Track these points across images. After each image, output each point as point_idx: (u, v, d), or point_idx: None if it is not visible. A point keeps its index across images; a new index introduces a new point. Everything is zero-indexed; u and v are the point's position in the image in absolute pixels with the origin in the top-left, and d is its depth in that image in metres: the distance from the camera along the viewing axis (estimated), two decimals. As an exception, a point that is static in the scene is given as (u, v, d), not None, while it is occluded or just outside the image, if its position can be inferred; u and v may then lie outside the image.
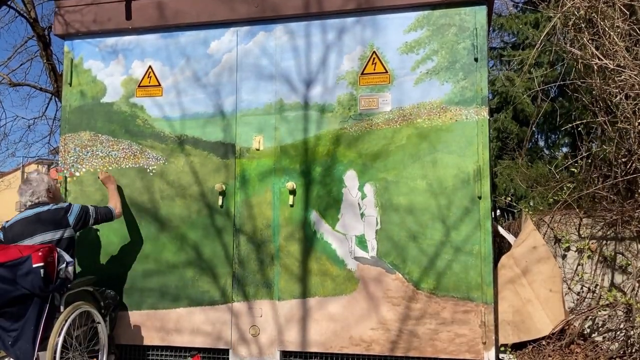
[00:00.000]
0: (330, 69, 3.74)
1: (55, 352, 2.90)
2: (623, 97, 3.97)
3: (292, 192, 3.68)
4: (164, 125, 3.98)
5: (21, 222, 3.34)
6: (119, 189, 3.89)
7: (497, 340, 3.62)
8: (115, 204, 3.68)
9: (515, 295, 3.90)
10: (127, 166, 4.00)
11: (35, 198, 3.43)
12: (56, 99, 11.44)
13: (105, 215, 3.58)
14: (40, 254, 2.90)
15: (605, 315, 3.89)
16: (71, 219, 3.39)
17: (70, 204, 3.45)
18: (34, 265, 2.89)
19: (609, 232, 4.01)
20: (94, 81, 4.13)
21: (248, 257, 3.74)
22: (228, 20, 3.89)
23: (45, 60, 10.40)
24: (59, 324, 2.97)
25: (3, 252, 2.94)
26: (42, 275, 2.89)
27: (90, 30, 4.13)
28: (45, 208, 3.38)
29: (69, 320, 3.03)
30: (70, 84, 4.16)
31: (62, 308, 3.07)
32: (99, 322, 3.33)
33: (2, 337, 2.95)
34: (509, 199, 7.73)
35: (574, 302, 4.00)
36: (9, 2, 9.75)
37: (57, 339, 2.93)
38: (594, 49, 4.08)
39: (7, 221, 3.42)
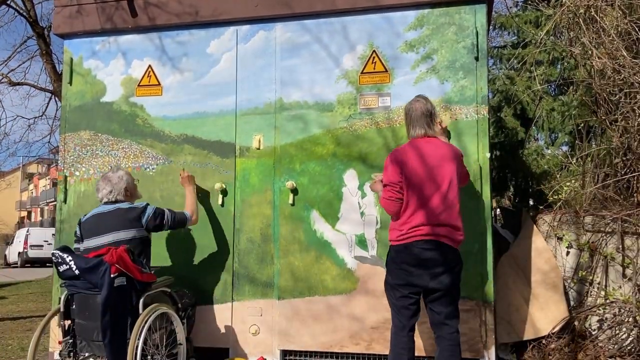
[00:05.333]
0: (330, 68, 3.74)
1: (135, 356, 2.85)
2: (622, 96, 3.97)
3: (292, 191, 3.68)
4: (163, 124, 3.97)
5: (97, 216, 3.33)
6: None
7: (497, 339, 3.62)
8: (191, 210, 3.57)
9: (515, 294, 3.90)
10: (127, 165, 4.00)
11: (113, 196, 3.38)
12: (56, 98, 11.44)
13: (180, 222, 3.48)
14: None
15: (605, 314, 3.88)
16: (144, 219, 3.31)
17: (147, 205, 3.38)
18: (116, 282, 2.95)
19: (609, 231, 4.01)
20: (94, 80, 4.13)
21: (248, 256, 3.74)
22: (228, 19, 3.89)
23: (45, 60, 10.40)
24: (138, 326, 2.91)
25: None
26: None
27: (90, 30, 4.12)
28: (121, 206, 3.34)
29: (149, 322, 2.97)
30: (70, 83, 4.16)
31: (140, 310, 3.02)
32: (176, 325, 3.27)
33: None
34: (510, 197, 7.73)
35: (574, 301, 4.00)
36: (8, 2, 9.74)
37: (137, 341, 2.87)
38: (593, 48, 4.08)
39: (85, 214, 3.42)
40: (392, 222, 3.00)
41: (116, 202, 3.37)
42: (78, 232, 3.38)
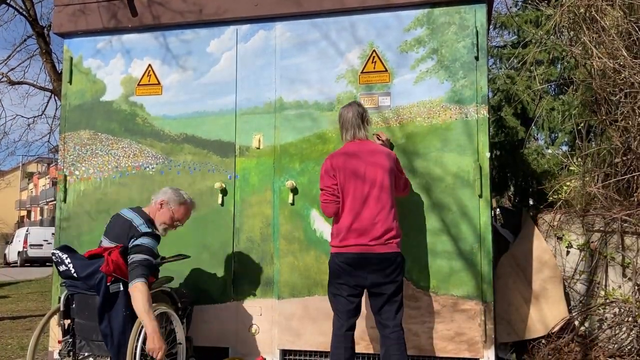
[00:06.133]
0: (330, 67, 3.73)
1: (134, 356, 2.85)
2: (623, 96, 3.97)
3: (292, 190, 3.68)
4: (163, 123, 3.97)
5: (116, 217, 3.27)
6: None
7: (496, 339, 3.62)
8: (143, 306, 2.88)
9: (515, 294, 3.90)
10: (127, 165, 4.00)
11: (152, 200, 3.30)
12: (56, 97, 11.44)
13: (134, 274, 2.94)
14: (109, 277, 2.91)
15: (605, 313, 3.88)
16: (131, 243, 3.05)
17: (145, 234, 3.08)
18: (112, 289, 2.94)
19: (609, 231, 4.00)
20: (94, 80, 4.13)
21: (248, 255, 3.74)
22: (228, 18, 3.89)
23: (44, 59, 10.40)
24: (137, 326, 2.89)
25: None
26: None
27: (90, 29, 4.12)
28: (134, 221, 3.15)
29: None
30: (70, 83, 4.16)
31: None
32: (175, 324, 3.25)
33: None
34: (510, 197, 7.72)
35: (574, 301, 4.00)
36: (8, 1, 9.74)
37: (136, 341, 2.86)
38: (594, 48, 4.07)
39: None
40: (332, 227, 3.09)
41: (138, 211, 3.25)
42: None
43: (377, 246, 2.93)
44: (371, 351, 3.50)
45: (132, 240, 3.06)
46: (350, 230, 2.95)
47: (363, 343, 3.49)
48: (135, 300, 2.86)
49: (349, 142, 3.13)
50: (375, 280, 2.94)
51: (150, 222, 3.21)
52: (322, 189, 3.07)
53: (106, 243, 3.19)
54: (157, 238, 3.15)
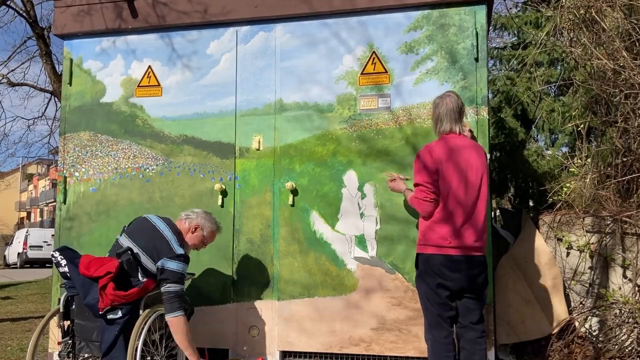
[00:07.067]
0: (330, 69, 3.73)
1: (135, 357, 2.86)
2: (622, 97, 3.97)
3: (292, 192, 3.68)
4: (163, 125, 3.97)
5: (142, 221, 3.26)
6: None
7: (496, 340, 3.61)
8: (186, 345, 3.06)
9: (515, 295, 3.90)
10: (127, 166, 4.00)
11: (182, 217, 3.31)
12: (55, 99, 11.44)
13: (170, 302, 3.01)
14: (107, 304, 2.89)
15: (605, 315, 3.88)
16: (159, 263, 3.04)
17: (178, 256, 3.07)
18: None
19: (609, 232, 4.00)
20: (94, 81, 4.13)
21: (248, 257, 3.74)
22: (231, 19, 3.88)
23: (44, 60, 10.39)
24: (138, 327, 2.90)
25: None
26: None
27: (90, 30, 4.12)
28: (164, 232, 3.16)
29: (148, 323, 2.97)
30: (70, 84, 4.16)
31: (140, 311, 3.00)
32: None
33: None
34: (510, 198, 7.71)
35: (574, 302, 3.99)
36: (8, 2, 9.74)
37: (136, 342, 2.87)
38: (593, 49, 4.07)
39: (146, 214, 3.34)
40: (423, 223, 2.95)
41: (169, 223, 3.25)
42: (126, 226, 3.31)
43: (473, 249, 2.85)
44: (371, 352, 3.49)
45: (167, 260, 3.06)
46: (450, 231, 2.82)
47: (363, 344, 3.49)
48: (177, 334, 3.01)
49: (444, 135, 2.96)
50: (470, 284, 2.86)
51: (182, 240, 3.23)
52: (419, 184, 2.88)
53: (125, 242, 3.17)
54: (188, 261, 3.17)
